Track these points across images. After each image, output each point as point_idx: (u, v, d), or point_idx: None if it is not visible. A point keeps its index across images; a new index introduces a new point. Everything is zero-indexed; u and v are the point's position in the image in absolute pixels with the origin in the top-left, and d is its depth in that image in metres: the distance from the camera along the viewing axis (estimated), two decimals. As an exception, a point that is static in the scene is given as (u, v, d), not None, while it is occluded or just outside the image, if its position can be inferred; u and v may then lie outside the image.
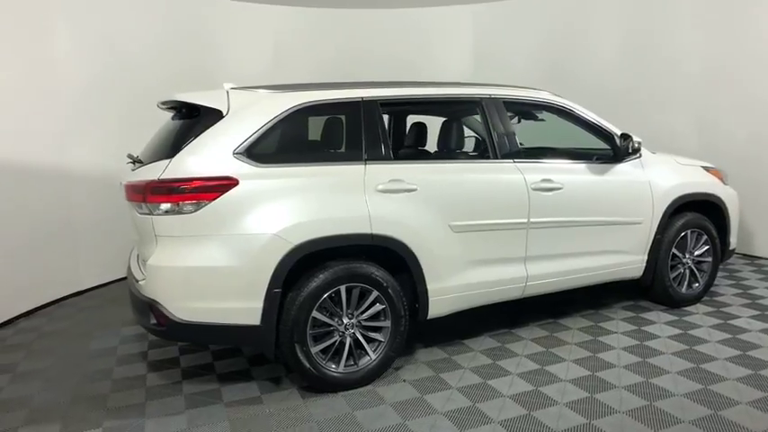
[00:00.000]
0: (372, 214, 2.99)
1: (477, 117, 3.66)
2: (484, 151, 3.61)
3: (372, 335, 3.11)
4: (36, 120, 4.38)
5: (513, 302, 3.69)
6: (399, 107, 3.75)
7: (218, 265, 2.74)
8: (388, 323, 3.12)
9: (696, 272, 4.26)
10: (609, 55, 6.45)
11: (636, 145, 3.80)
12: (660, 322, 3.94)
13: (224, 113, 2.89)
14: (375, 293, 3.06)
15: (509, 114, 3.84)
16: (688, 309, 4.19)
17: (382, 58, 6.72)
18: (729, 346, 3.48)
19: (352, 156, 3.10)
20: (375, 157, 3.13)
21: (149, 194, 2.72)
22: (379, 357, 3.11)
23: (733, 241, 4.45)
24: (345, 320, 3.02)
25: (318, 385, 3.00)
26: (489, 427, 2.64)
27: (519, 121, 4.36)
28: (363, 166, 3.08)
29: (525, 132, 4.73)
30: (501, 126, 3.54)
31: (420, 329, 3.66)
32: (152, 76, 5.24)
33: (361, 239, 2.98)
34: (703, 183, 4.21)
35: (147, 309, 2.81)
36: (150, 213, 2.75)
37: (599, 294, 4.52)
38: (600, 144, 3.95)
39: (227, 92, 2.98)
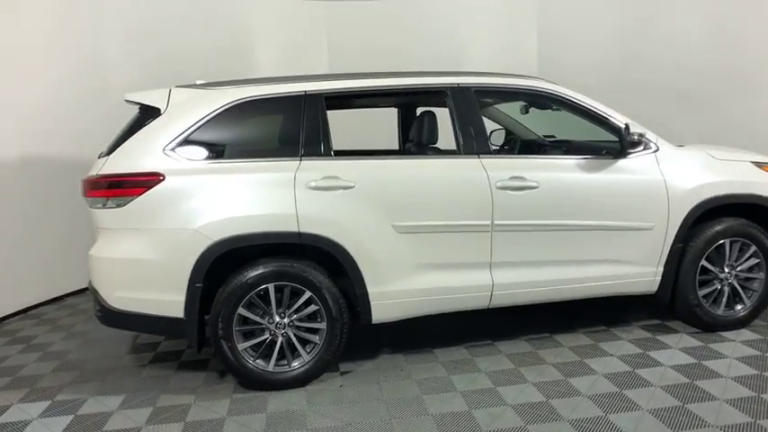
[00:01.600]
0: (300, 212, 2.89)
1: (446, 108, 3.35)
2: (427, 146, 3.30)
3: (307, 336, 3.02)
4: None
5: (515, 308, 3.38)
6: (352, 101, 3.56)
7: (143, 258, 2.85)
8: (323, 325, 3.01)
9: (741, 290, 3.51)
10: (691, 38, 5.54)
11: (634, 138, 3.21)
12: (676, 347, 3.32)
13: (161, 111, 2.98)
14: (308, 294, 2.97)
15: (522, 104, 3.50)
16: (725, 334, 3.47)
17: (422, 49, 6.41)
18: (744, 385, 2.82)
19: (287, 151, 3.03)
20: (313, 152, 3.03)
21: (88, 189, 2.91)
22: (313, 359, 3.02)
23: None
24: (277, 319, 2.97)
25: (246, 382, 2.99)
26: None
27: (526, 112, 3.94)
28: (298, 162, 2.99)
29: (543, 124, 4.29)
30: (467, 118, 3.21)
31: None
32: (152, 73, 5.13)
33: (287, 238, 2.90)
34: (749, 182, 3.44)
35: (94, 296, 3.01)
36: (91, 207, 2.94)
37: (620, 308, 3.93)
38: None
39: (170, 90, 3.07)
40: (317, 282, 2.95)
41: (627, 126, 3.21)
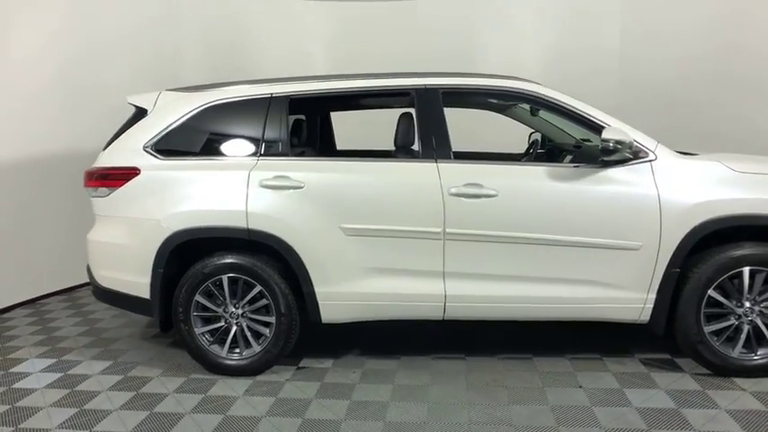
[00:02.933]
0: (250, 209, 3.03)
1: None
2: (397, 149, 3.19)
3: (259, 328, 3.16)
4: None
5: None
6: (318, 103, 3.56)
7: (120, 242, 3.20)
8: (272, 319, 3.13)
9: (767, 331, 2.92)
10: None
11: (609, 145, 2.79)
12: (664, 388, 2.87)
13: (148, 112, 3.31)
14: (258, 288, 3.10)
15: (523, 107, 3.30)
16: (739, 381, 2.91)
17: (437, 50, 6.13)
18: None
19: (249, 151, 3.18)
20: (271, 152, 3.15)
21: (86, 180, 3.34)
22: (261, 351, 3.15)
23: None
24: (231, 309, 3.15)
25: (203, 365, 3.22)
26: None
27: (534, 114, 3.64)
28: (256, 161, 3.13)
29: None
30: (429, 120, 3.09)
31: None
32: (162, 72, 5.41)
33: (236, 233, 3.06)
34: (771, 200, 2.83)
35: (89, 274, 3.46)
36: (89, 196, 3.37)
37: (627, 337, 3.48)
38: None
39: (159, 93, 3.39)
40: (267, 276, 3.07)
41: (603, 131, 2.83)
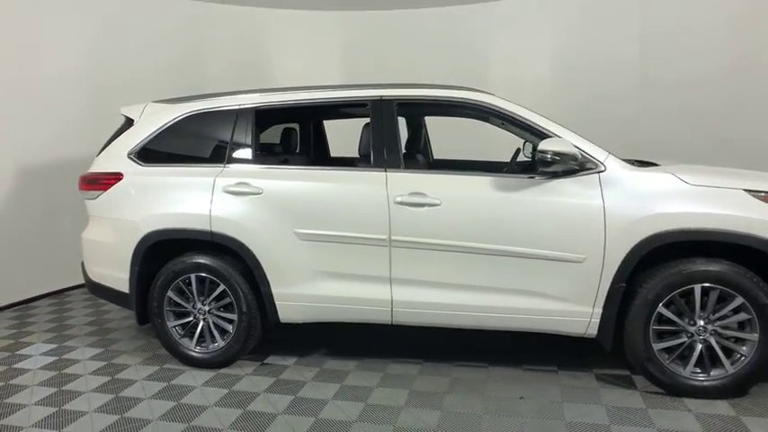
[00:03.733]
0: (213, 213, 3.25)
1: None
2: (359, 158, 3.30)
3: (224, 325, 3.38)
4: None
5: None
6: (284, 113, 3.69)
7: (104, 241, 3.52)
8: (234, 316, 3.33)
9: (721, 352, 2.79)
10: None
11: (546, 157, 2.77)
12: (605, 404, 2.82)
13: (135, 122, 3.62)
14: (222, 287, 3.32)
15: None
16: (690, 402, 2.80)
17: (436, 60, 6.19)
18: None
19: (216, 158, 3.41)
20: (236, 160, 3.36)
21: (80, 184, 3.68)
22: (225, 346, 3.36)
23: (822, 319, 2.70)
24: (199, 306, 3.39)
25: (175, 356, 3.47)
26: None
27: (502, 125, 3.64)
28: (222, 168, 3.35)
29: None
30: (382, 130, 3.18)
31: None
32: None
33: (201, 235, 3.29)
34: (731, 217, 2.70)
35: (82, 269, 3.81)
36: (83, 198, 3.72)
37: (597, 351, 3.42)
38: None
39: (146, 105, 3.68)
40: (229, 276, 3.28)
41: (541, 143, 2.82)
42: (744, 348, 2.77)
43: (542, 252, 2.90)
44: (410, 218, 3.02)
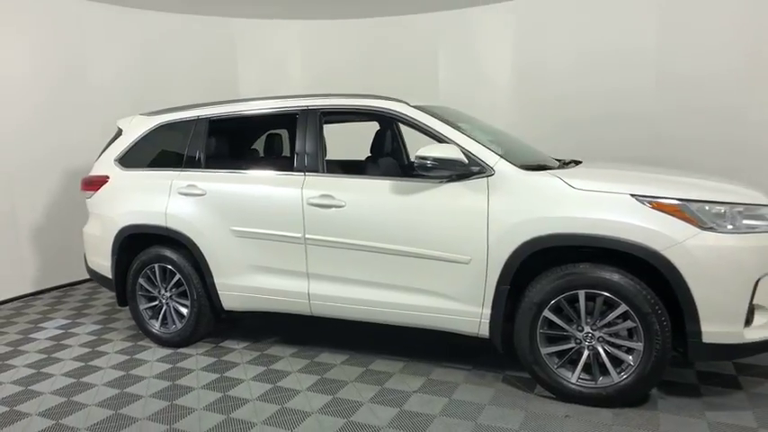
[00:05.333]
0: (169, 212, 3.73)
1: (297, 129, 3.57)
2: (285, 163, 3.57)
3: (181, 309, 3.85)
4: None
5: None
6: (234, 122, 3.99)
7: (96, 234, 4.15)
8: (188, 303, 3.80)
9: (607, 359, 2.75)
10: None
11: (428, 163, 2.88)
12: (487, 403, 2.88)
13: (123, 132, 4.21)
14: (178, 276, 3.80)
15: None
16: (597, 412, 2.76)
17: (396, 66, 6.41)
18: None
19: (176, 163, 3.88)
20: (189, 165, 3.81)
21: (81, 185, 4.33)
22: (182, 328, 3.83)
23: (711, 329, 2.57)
24: (163, 292, 3.90)
25: (145, 335, 4.00)
26: None
27: None
28: (180, 172, 3.82)
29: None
30: (306, 137, 3.45)
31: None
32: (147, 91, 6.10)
33: (159, 231, 3.77)
34: (608, 222, 2.64)
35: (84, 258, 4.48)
36: (85, 197, 4.38)
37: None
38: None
39: (134, 117, 4.25)
40: (183, 267, 3.75)
41: (420, 149, 2.94)
42: (630, 357, 2.70)
43: (433, 253, 3.02)
44: (320, 218, 3.28)
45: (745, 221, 2.64)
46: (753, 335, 2.60)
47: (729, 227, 2.59)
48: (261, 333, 4.08)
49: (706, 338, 2.59)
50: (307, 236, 3.33)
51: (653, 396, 2.88)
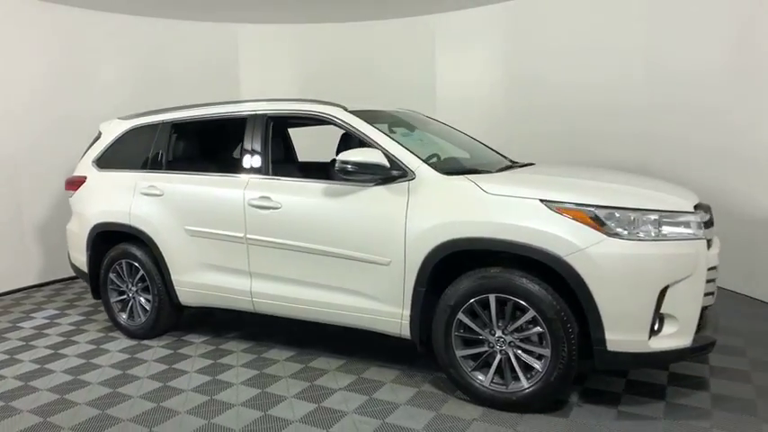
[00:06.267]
0: (132, 211, 3.95)
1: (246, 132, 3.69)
2: (235, 165, 3.71)
3: (145, 304, 4.07)
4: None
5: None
6: (191, 127, 4.15)
7: (74, 230, 4.42)
8: (150, 296, 4.01)
9: (517, 365, 2.76)
10: None
11: (346, 167, 2.96)
12: (403, 403, 2.94)
13: (101, 135, 4.47)
14: (141, 272, 4.02)
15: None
16: (507, 417, 2.79)
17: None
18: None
19: (141, 165, 4.09)
20: (152, 167, 4.02)
21: (65, 184, 4.63)
22: (144, 321, 4.04)
23: (616, 338, 2.54)
24: (130, 286, 4.13)
25: (115, 326, 4.24)
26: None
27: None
28: (143, 173, 4.03)
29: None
30: (253, 140, 3.59)
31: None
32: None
33: (124, 229, 4.00)
34: (514, 227, 2.65)
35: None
36: (69, 196, 4.67)
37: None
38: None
39: (113, 120, 4.51)
40: (146, 263, 3.96)
41: (340, 154, 3.03)
42: (540, 364, 2.70)
43: (358, 254, 3.09)
44: (259, 219, 3.41)
45: (663, 229, 2.60)
46: (659, 344, 2.56)
47: (639, 234, 2.55)
48: (225, 329, 4.24)
49: (611, 346, 2.56)
50: (248, 236, 3.46)
51: (570, 404, 2.86)
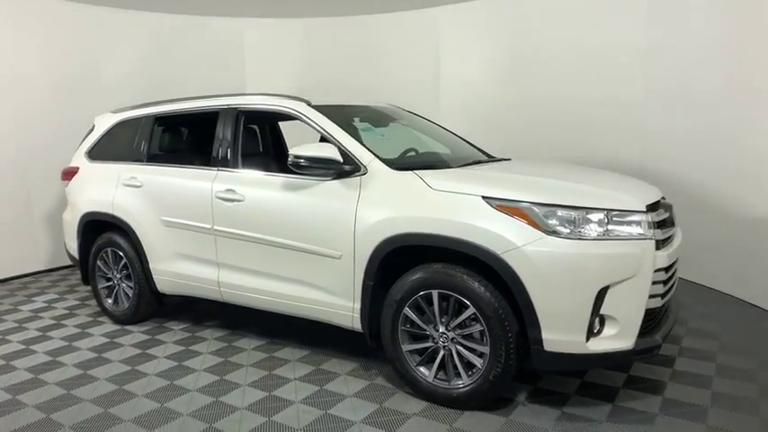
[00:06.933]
0: (115, 201, 4.11)
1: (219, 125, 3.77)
2: (207, 158, 3.79)
3: (128, 291, 4.23)
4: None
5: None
6: (170, 121, 4.22)
7: (68, 219, 4.62)
8: (132, 284, 4.17)
9: (459, 362, 2.76)
10: None
11: (299, 161, 2.99)
12: (350, 395, 2.98)
13: (94, 127, 4.65)
14: (125, 260, 4.18)
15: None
16: (448, 413, 2.81)
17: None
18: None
19: (125, 157, 4.23)
20: (134, 159, 4.16)
21: (61, 175, 4.82)
22: (127, 308, 4.20)
23: (552, 337, 2.52)
24: (115, 273, 4.30)
25: (102, 311, 4.42)
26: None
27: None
28: (126, 165, 4.18)
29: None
30: (223, 134, 3.67)
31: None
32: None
33: (107, 218, 4.16)
34: (452, 223, 2.65)
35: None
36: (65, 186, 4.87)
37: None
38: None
39: (105, 114, 4.67)
40: (127, 251, 4.11)
41: (292, 149, 3.06)
42: (479, 361, 2.69)
43: (313, 247, 3.14)
44: (224, 211, 3.50)
45: (607, 228, 2.55)
46: (598, 346, 2.52)
47: (581, 233, 2.51)
48: (207, 317, 4.36)
49: (548, 346, 2.53)
50: (215, 227, 3.56)
51: (515, 402, 2.84)
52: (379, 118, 3.96)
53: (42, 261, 6.12)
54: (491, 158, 3.91)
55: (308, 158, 3.01)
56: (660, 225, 2.73)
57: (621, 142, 5.32)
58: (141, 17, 6.55)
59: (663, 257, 2.62)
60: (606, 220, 2.55)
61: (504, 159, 3.88)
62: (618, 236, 2.54)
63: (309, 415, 2.79)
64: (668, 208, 2.97)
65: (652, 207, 2.75)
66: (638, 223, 2.59)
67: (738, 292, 4.36)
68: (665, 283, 2.67)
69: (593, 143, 5.48)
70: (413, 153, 3.93)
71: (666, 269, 2.67)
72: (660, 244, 2.65)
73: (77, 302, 4.93)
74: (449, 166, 3.25)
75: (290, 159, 3.05)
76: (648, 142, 5.11)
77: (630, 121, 5.24)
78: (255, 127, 4.58)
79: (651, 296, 2.57)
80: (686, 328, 3.79)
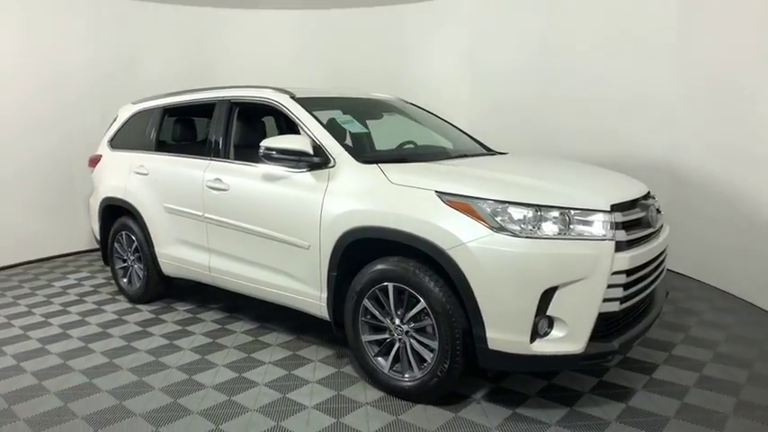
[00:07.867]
0: (127, 188, 4.39)
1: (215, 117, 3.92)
2: (202, 148, 3.94)
3: (140, 273, 4.52)
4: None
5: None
6: (177, 112, 4.40)
7: (92, 203, 4.98)
8: (142, 266, 4.45)
9: (411, 355, 2.79)
10: None
11: (271, 153, 3.07)
12: (315, 381, 3.07)
13: (117, 118, 4.97)
14: (136, 242, 4.46)
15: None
16: (402, 405, 2.87)
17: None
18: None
19: (138, 146, 4.50)
20: (145, 148, 4.42)
21: (88, 162, 5.19)
22: (138, 288, 4.50)
23: (496, 336, 2.49)
24: (129, 255, 4.60)
25: (118, 289, 4.75)
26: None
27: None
28: (138, 154, 4.45)
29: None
30: (217, 125, 3.83)
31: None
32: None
33: (121, 203, 4.44)
34: (403, 217, 2.66)
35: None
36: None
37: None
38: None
39: (126, 105, 4.98)
40: (138, 235, 4.39)
41: (264, 141, 3.15)
42: (430, 355, 2.70)
43: (285, 237, 3.24)
44: (213, 199, 3.66)
45: (562, 227, 2.47)
46: (543, 348, 2.46)
47: (531, 231, 2.45)
48: (212, 300, 4.58)
49: (492, 345, 2.50)
50: (206, 215, 3.73)
51: (470, 399, 2.83)
52: (373, 110, 3.98)
53: (84, 241, 6.60)
54: (489, 152, 3.86)
55: (278, 150, 3.10)
56: (628, 226, 2.61)
57: (650, 136, 5.03)
58: (178, 11, 6.85)
59: (624, 259, 2.51)
60: (562, 219, 2.48)
61: (501, 153, 3.82)
62: (573, 236, 2.46)
63: (267, 397, 2.90)
64: (646, 207, 2.83)
65: (622, 206, 2.63)
66: (594, 223, 2.49)
67: (762, 302, 4.06)
68: (625, 286, 2.54)
69: (622, 136, 5.19)
70: (411, 145, 3.96)
71: (630, 272, 2.55)
72: (624, 245, 2.54)
73: (104, 281, 5.30)
74: (425, 160, 3.23)
75: (261, 151, 3.15)
76: (678, 133, 4.80)
77: (659, 114, 4.94)
78: (250, 118, 4.71)
79: (607, 299, 2.47)
80: (685, 336, 3.59)
